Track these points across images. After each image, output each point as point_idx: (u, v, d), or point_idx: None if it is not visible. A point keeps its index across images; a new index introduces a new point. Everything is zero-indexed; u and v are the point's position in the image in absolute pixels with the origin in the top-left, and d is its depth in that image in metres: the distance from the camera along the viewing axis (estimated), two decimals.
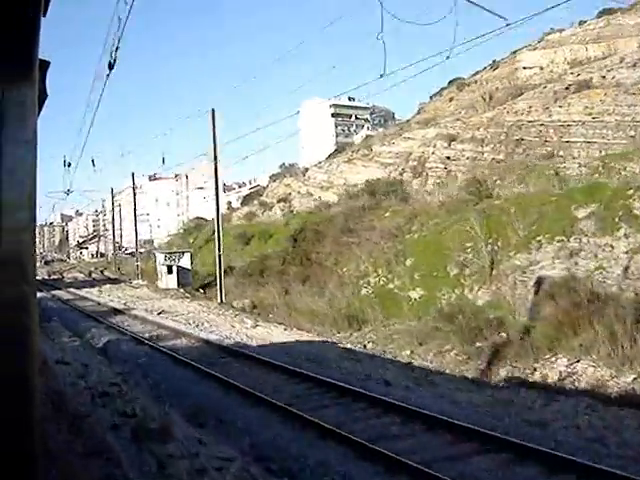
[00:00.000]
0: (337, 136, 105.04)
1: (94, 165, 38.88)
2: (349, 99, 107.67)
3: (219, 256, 32.32)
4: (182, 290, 39.46)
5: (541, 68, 62.29)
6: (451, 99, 65.87)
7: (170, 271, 41.07)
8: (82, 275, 64.73)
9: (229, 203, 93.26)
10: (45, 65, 2.92)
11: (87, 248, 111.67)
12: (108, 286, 44.44)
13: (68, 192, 43.55)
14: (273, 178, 79.07)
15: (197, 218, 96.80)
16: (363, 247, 29.75)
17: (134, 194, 55.27)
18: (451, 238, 24.68)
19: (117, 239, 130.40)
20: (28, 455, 2.19)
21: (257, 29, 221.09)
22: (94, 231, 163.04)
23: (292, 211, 51.60)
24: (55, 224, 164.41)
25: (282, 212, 60.91)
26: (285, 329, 24.31)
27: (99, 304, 33.90)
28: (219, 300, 31.83)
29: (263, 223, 50.03)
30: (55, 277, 60.97)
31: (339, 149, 77.56)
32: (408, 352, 20.13)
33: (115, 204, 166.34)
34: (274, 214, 59.20)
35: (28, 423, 2.19)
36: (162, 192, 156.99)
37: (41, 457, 2.44)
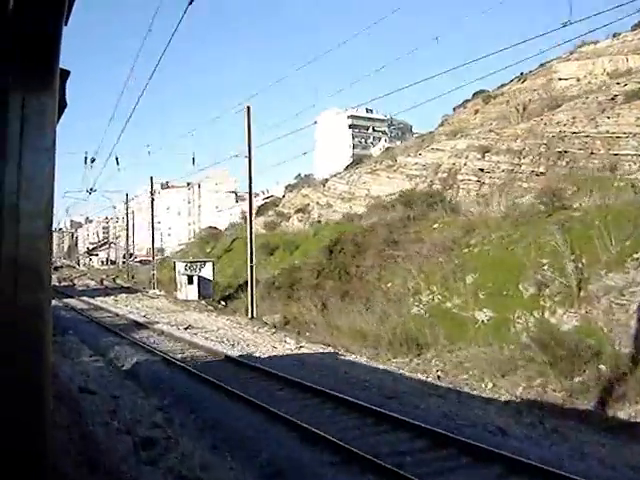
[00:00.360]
0: (354, 148, 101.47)
1: (118, 163, 35.08)
2: (367, 110, 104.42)
3: (251, 267, 29.04)
4: (204, 302, 35.91)
5: (578, 79, 58.85)
6: (476, 111, 63.20)
7: (191, 281, 37.68)
8: (94, 282, 61.97)
9: (244, 212, 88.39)
10: (65, 74, 2.80)
11: (97, 255, 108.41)
12: (124, 295, 40.95)
13: (91, 191, 39.81)
14: (289, 189, 76.96)
15: (210, 227, 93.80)
16: (411, 261, 26.28)
17: (152, 200, 52.12)
18: (523, 253, 21.17)
19: (129, 246, 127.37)
20: (40, 457, 2.18)
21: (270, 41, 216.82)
22: (104, 238, 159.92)
23: (320, 221, 48.23)
24: (64, 230, 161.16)
25: (300, 222, 59.12)
26: (334, 351, 20.76)
27: (117, 315, 30.47)
28: (250, 315, 28.12)
29: (287, 233, 46.59)
30: (66, 284, 57.52)
31: (357, 160, 75.82)
32: (489, 385, 16.56)
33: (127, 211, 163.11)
34: (291, 224, 57.39)
35: (41, 429, 2.17)
36: (174, 200, 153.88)
37: (52, 460, 2.34)
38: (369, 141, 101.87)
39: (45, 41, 2.24)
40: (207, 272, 38.91)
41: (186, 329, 25.54)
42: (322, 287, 29.69)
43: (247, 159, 30.07)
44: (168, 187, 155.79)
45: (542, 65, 64.83)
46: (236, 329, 25.64)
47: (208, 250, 59.79)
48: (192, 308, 33.62)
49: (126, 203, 67.78)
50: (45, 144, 2.27)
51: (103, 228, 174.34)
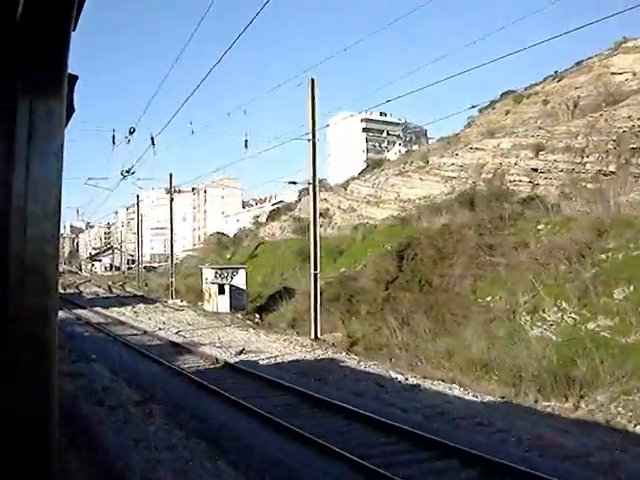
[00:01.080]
0: (367, 152, 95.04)
1: (154, 145, 27.89)
2: (380, 114, 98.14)
3: (315, 275, 22.59)
4: (239, 316, 29.58)
5: (634, 73, 53.38)
6: (507, 112, 59.25)
7: (222, 291, 31.45)
8: (102, 290, 55.91)
9: (257, 218, 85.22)
10: (73, 79, 2.79)
11: (100, 260, 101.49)
12: (142, 306, 34.45)
13: (128, 174, 31.56)
14: (304, 193, 68.97)
15: (218, 233, 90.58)
16: (517, 270, 19.75)
17: (171, 199, 45.70)
18: None
19: (131, 252, 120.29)
20: (46, 461, 2.13)
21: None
22: (105, 244, 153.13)
23: (358, 225, 41.99)
24: (65, 235, 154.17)
25: (321, 227, 52.60)
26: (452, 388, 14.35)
27: (145, 333, 24.30)
28: (313, 335, 21.58)
29: (324, 238, 40.29)
30: (72, 291, 51.03)
31: (374, 164, 71.55)
32: None
33: (130, 217, 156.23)
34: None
35: (47, 435, 2.12)
36: (179, 206, 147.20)
37: (58, 467, 2.23)
38: (383, 145, 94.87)
39: (53, 46, 2.19)
40: (239, 280, 32.49)
41: (240, 354, 18.95)
42: (396, 300, 23.11)
43: (310, 142, 23.53)
44: (175, 192, 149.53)
45: (578, 63, 62.00)
46: (305, 353, 19.00)
47: (228, 256, 53.12)
48: (229, 323, 27.49)
49: (137, 204, 61.38)
50: (53, 149, 2.22)
51: (105, 233, 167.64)
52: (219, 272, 33.55)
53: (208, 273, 34.37)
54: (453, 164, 52.87)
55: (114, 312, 32.15)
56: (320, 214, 68.72)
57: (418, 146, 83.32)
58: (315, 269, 22.65)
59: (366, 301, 24.67)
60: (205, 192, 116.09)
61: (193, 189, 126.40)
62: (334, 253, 34.34)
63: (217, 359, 17.96)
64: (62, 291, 50.13)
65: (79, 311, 31.94)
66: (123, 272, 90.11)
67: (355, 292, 26.23)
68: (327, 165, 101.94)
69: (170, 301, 38.40)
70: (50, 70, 2.22)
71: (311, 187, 23.82)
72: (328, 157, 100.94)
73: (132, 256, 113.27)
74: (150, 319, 29.18)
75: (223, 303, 31.84)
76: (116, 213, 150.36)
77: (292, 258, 37.45)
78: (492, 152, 46.42)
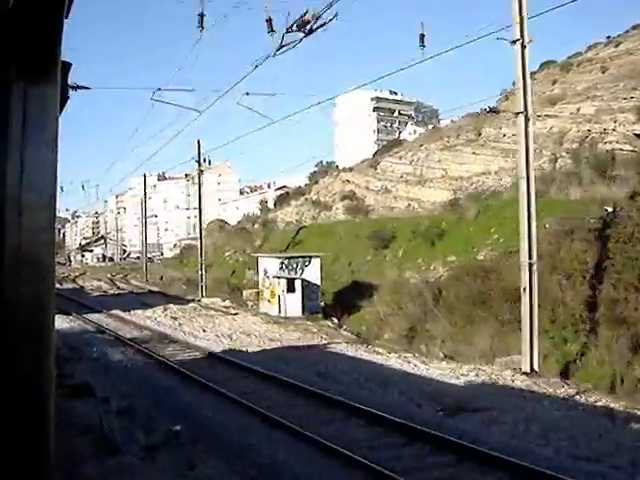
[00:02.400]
0: (378, 132, 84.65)
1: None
2: (390, 93, 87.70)
3: (530, 266, 11.75)
4: (329, 324, 19.60)
5: None
6: (554, 81, 52.35)
7: (292, 288, 22.78)
8: (105, 285, 47.03)
9: (265, 203, 77.03)
10: (67, 67, 2.67)
11: (92, 251, 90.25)
12: (174, 308, 26.31)
13: None
14: (316, 177, 64.81)
15: (218, 220, 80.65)
16: None
17: (200, 171, 35.32)
18: None
19: (123, 243, 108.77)
20: (42, 456, 2.09)
21: None
22: (93, 234, 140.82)
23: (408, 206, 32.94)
24: None
25: (348, 211, 48.75)
26: None
27: (220, 360, 16.05)
28: (526, 366, 11.09)
29: (396, 218, 30.74)
30: (71, 286, 44.40)
31: (391, 144, 65.51)
32: None
33: (118, 205, 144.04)
34: (334, 214, 48.34)
35: (43, 424, 2.09)
36: (171, 193, 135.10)
37: (54, 456, 2.17)
38: (395, 125, 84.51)
39: (46, 33, 2.11)
40: (312, 273, 22.30)
41: (456, 411, 8.48)
42: (616, 304, 12.85)
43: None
44: (165, 179, 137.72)
45: (636, 27, 54.14)
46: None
47: (258, 243, 42.45)
48: (319, 334, 20.73)
49: (144, 189, 50.93)
50: (47, 136, 2.13)
51: (93, 223, 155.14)
52: (286, 263, 23.24)
53: (269, 264, 24.16)
54: (515, 135, 42.93)
55: (142, 317, 22.98)
56: (347, 197, 58.18)
57: (431, 127, 73.15)
58: (530, 257, 12.15)
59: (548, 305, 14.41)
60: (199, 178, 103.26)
61: (186, 175, 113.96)
62: (429, 237, 24.26)
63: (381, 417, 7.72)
64: (59, 286, 39.42)
65: (95, 317, 24.73)
66: (118, 263, 78.76)
67: (504, 291, 15.97)
68: (334, 146, 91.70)
69: (206, 300, 28.29)
70: (44, 57, 2.15)
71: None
72: (334, 138, 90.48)
73: (125, 246, 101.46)
74: (202, 329, 19.18)
75: (294, 304, 21.81)
76: (105, 202, 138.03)
77: (360, 244, 27.38)
78: (570, 119, 39.10)
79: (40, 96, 2.09)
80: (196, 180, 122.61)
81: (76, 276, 57.38)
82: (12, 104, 2.00)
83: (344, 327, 23.35)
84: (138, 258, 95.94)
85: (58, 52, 2.19)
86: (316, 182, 62.04)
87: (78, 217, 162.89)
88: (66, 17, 2.20)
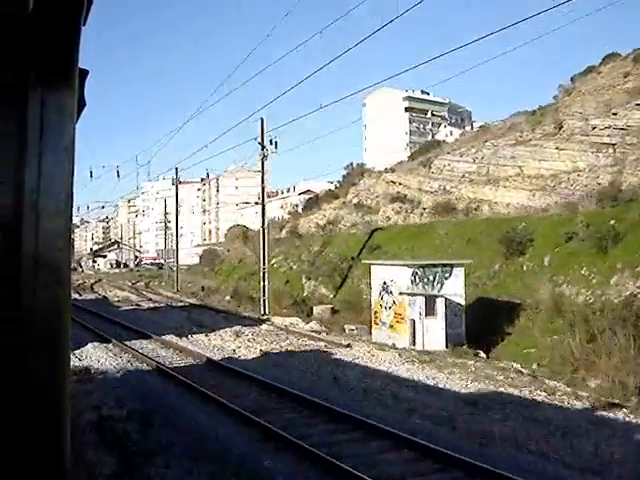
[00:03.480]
0: (410, 134, 78.52)
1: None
2: (422, 93, 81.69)
3: None
4: (487, 364, 12.47)
5: None
6: (626, 74, 45.25)
7: (431, 310, 13.56)
8: (131, 294, 41.22)
9: (295, 207, 71.76)
10: (84, 74, 2.63)
11: (105, 256, 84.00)
12: (247, 332, 17.46)
13: None
14: (350, 179, 59.24)
15: (238, 225, 74.71)
16: None
17: (263, 170, 28.78)
18: None
19: (138, 248, 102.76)
20: (57, 456, 2.07)
21: None
22: (104, 239, 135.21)
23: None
24: None
25: (399, 214, 44.43)
26: None
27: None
28: None
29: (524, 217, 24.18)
30: (92, 296, 39.02)
31: (427, 146, 60.45)
32: None
33: (132, 210, 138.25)
34: (382, 217, 43.18)
35: (59, 425, 2.07)
36: (186, 198, 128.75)
37: (70, 457, 2.17)
38: (427, 127, 78.35)
39: (64, 40, 2.14)
40: (454, 288, 15.05)
41: None
42: None
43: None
44: (180, 182, 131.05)
45: None
46: None
47: (316, 249, 35.86)
48: (505, 383, 12.98)
49: (176, 182, 45.45)
50: (64, 143, 2.15)
51: (103, 229, 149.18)
52: (420, 273, 16.36)
53: (392, 274, 17.28)
54: (610, 127, 36.96)
55: (215, 349, 18.26)
56: (397, 199, 52.12)
57: (467, 127, 66.93)
58: None
59: None
60: (218, 181, 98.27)
61: (202, 179, 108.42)
62: (597, 241, 17.69)
63: None
64: (78, 296, 36.76)
65: (145, 347, 18.14)
66: (136, 269, 72.31)
67: None
68: (363, 149, 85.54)
69: (277, 320, 21.68)
70: (61, 64, 2.19)
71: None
72: (363, 139, 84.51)
73: (139, 252, 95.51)
74: (333, 377, 12.21)
75: (434, 333, 14.98)
76: (116, 206, 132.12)
77: (477, 249, 20.81)
78: None
79: (57, 102, 2.11)
80: (213, 185, 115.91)
81: (93, 284, 52.22)
82: (29, 110, 2.02)
83: (484, 358, 16.72)
84: (153, 264, 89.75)
85: (76, 59, 2.21)
86: (353, 184, 57.62)
87: (87, 222, 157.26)
88: (84, 24, 2.24)
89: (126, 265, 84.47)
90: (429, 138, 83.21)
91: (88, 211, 73.11)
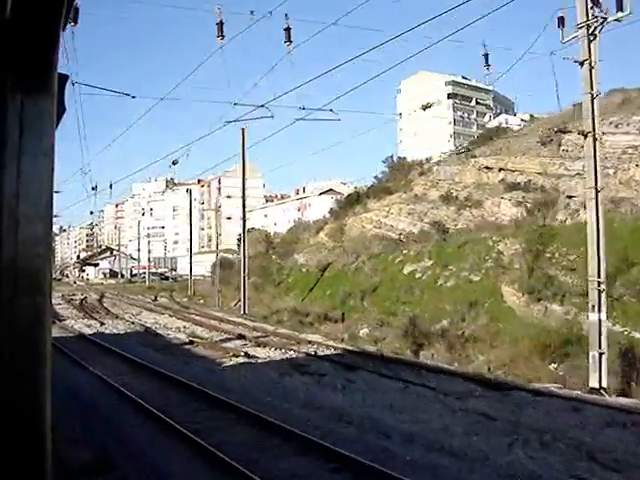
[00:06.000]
0: (455, 123, 66.99)
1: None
2: (463, 78, 70.43)
3: None
4: None
5: None
6: None
7: None
8: (178, 319, 28.88)
9: (339, 205, 57.19)
10: (63, 79, 2.55)
11: (97, 265, 70.11)
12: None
13: None
14: (393, 174, 49.44)
15: (254, 229, 62.55)
16: None
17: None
18: None
19: (132, 255, 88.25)
20: (38, 467, 1.98)
21: None
22: (87, 246, 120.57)
23: None
24: None
25: (518, 206, 33.40)
26: None
27: None
28: None
29: None
30: (122, 327, 26.04)
31: (487, 133, 50.86)
32: None
33: (120, 215, 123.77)
34: (494, 209, 33.58)
35: (40, 437, 1.97)
36: (182, 201, 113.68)
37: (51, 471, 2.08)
38: (472, 117, 66.83)
39: (43, 44, 2.06)
40: None
41: None
42: None
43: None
44: (175, 184, 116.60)
45: None
46: None
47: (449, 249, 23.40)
48: None
49: (219, 184, 31.90)
50: (44, 148, 2.08)
51: (87, 235, 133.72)
52: None
53: None
54: None
55: None
56: (516, 186, 41.69)
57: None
58: None
59: None
60: (220, 182, 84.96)
61: (199, 181, 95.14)
62: None
63: None
64: (97, 326, 25.70)
65: None
66: (132, 280, 71.62)
67: None
68: (398, 141, 73.53)
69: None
70: (40, 69, 2.13)
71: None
72: (398, 130, 72.36)
73: (134, 259, 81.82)
74: None
75: None
76: (101, 211, 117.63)
77: None
78: None
79: (37, 107, 2.06)
80: (214, 186, 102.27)
81: (99, 299, 42.47)
82: (8, 116, 1.98)
83: None
84: (154, 274, 76.07)
85: (55, 64, 2.15)
86: (405, 177, 48.36)
87: (64, 231, 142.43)
88: (63, 29, 2.21)
89: (122, 275, 70.41)
90: (474, 129, 71.57)
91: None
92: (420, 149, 63.84)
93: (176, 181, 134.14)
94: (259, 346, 20.27)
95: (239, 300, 37.34)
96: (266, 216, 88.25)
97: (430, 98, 79.37)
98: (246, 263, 34.97)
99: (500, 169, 43.52)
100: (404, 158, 64.88)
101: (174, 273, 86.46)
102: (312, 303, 34.46)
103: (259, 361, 17.49)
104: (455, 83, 75.13)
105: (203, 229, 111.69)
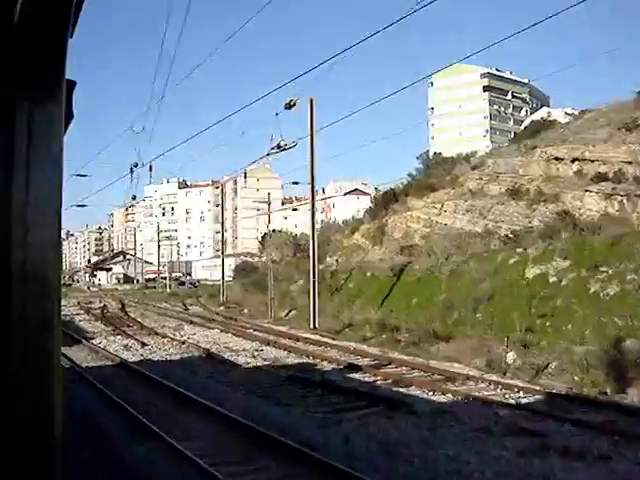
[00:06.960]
0: (491, 118, 62.64)
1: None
2: (497, 71, 65.98)
3: None
4: None
5: None
6: None
7: None
8: (236, 337, 23.51)
9: (376, 203, 51.18)
10: (71, 85, 2.50)
11: (110, 269, 65.55)
12: None
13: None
14: (433, 170, 44.52)
15: (274, 231, 55.52)
16: None
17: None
18: None
19: (146, 259, 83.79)
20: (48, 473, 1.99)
21: None
22: (97, 251, 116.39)
23: None
24: None
25: (607, 200, 28.86)
26: None
27: None
28: None
29: None
30: (177, 352, 19.81)
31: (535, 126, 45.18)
32: None
33: (130, 218, 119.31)
34: (570, 205, 28.06)
35: (50, 451, 1.94)
36: (195, 203, 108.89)
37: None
38: (508, 111, 62.44)
39: (51, 52, 2.06)
40: None
41: None
42: None
43: None
44: (187, 186, 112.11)
45: None
46: None
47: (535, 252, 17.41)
48: None
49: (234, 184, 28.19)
50: (53, 156, 2.07)
51: (96, 239, 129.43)
52: None
53: None
54: None
55: None
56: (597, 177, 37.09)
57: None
58: None
59: None
60: (236, 183, 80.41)
61: (213, 182, 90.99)
62: None
63: None
64: (141, 355, 19.45)
65: None
66: (148, 285, 66.66)
67: None
68: (430, 137, 69.09)
69: None
70: (48, 76, 2.12)
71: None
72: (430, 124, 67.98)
73: (149, 263, 77.47)
74: None
75: None
76: (111, 215, 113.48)
77: None
78: None
79: (45, 115, 2.05)
80: (229, 187, 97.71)
81: (122, 308, 36.92)
82: (17, 124, 1.98)
83: None
84: (178, 280, 71.72)
85: (63, 70, 2.15)
86: (449, 172, 44.23)
87: (71, 235, 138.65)
88: (71, 36, 2.19)
89: (137, 280, 66.01)
90: (510, 124, 67.15)
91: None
92: (454, 145, 59.23)
93: (189, 183, 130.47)
94: (400, 386, 13.31)
95: (290, 310, 32.48)
96: (286, 218, 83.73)
97: (464, 92, 75.15)
98: (316, 264, 27.97)
99: (574, 159, 38.61)
100: (439, 154, 60.18)
101: (189, 278, 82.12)
102: (395, 314, 26.78)
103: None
104: (491, 75, 74.11)
105: (218, 232, 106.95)
